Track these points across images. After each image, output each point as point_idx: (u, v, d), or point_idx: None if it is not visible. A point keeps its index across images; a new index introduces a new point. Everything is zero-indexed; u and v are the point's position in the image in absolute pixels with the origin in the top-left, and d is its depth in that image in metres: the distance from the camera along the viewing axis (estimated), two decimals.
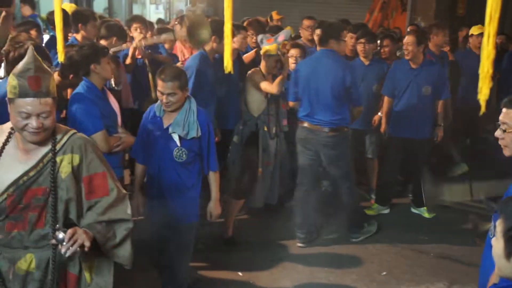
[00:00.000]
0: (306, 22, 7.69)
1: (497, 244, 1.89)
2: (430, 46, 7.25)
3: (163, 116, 4.27)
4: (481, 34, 7.70)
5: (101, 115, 4.37)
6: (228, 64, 2.83)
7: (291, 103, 6.07)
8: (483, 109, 1.78)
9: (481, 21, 6.38)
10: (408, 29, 8.66)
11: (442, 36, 7.19)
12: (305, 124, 5.85)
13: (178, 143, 4.21)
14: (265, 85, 5.73)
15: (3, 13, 4.34)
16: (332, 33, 5.81)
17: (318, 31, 6.17)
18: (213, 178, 4.46)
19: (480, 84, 1.71)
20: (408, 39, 6.43)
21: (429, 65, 6.51)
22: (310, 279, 5.28)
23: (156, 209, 4.37)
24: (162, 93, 4.13)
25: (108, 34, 5.78)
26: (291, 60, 6.27)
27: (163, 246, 4.47)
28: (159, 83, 4.15)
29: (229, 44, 2.77)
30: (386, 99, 6.66)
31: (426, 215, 6.75)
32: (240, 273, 5.33)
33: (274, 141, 5.99)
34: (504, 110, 2.56)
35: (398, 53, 7.49)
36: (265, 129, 5.91)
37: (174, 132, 4.19)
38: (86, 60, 4.48)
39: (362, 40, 6.76)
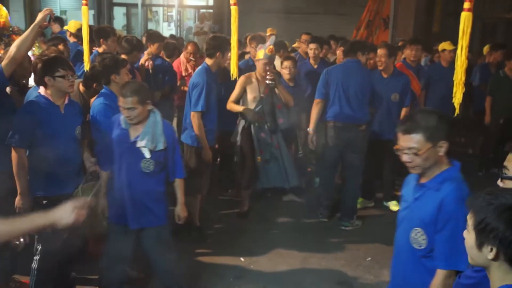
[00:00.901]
0: (304, 37, 7.77)
1: (469, 236, 1.89)
2: (406, 59, 7.27)
3: (129, 128, 3.95)
4: (454, 50, 7.71)
5: None
6: (234, 71, 2.76)
7: (317, 101, 6.23)
8: (457, 111, 1.77)
9: (453, 37, 6.38)
10: (399, 44, 8.70)
11: (411, 50, 7.20)
12: (335, 123, 6.06)
13: (147, 155, 3.92)
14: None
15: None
16: (360, 47, 6.20)
17: (346, 45, 6.59)
18: (179, 185, 4.18)
19: (454, 89, 1.71)
20: (380, 52, 6.43)
21: (398, 75, 6.50)
22: (304, 264, 5.29)
23: (128, 217, 4.05)
24: (123, 108, 3.84)
25: (131, 49, 5.82)
26: (285, 71, 6.46)
27: (143, 253, 4.26)
28: (120, 98, 3.86)
29: (235, 54, 2.69)
30: None
31: (393, 208, 6.68)
32: (242, 259, 5.33)
33: (268, 135, 6.06)
34: (406, 136, 2.52)
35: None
36: (256, 124, 6.00)
37: (144, 147, 3.91)
38: (107, 71, 4.50)
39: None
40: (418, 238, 2.57)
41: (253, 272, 5.12)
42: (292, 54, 7.49)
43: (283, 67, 6.49)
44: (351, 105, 5.96)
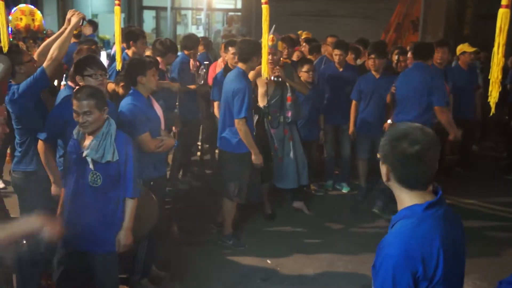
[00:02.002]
0: (330, 39, 7.68)
1: None
2: (433, 61, 7.09)
3: (81, 139, 3.64)
4: (474, 52, 7.57)
5: (146, 120, 4.39)
6: (265, 70, 2.57)
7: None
8: (493, 110, 1.71)
9: (484, 41, 6.24)
10: None
11: (438, 53, 6.97)
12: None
13: (91, 166, 3.51)
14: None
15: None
16: (429, 52, 6.14)
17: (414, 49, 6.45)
18: (128, 205, 3.65)
19: (490, 88, 1.64)
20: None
21: None
22: (331, 267, 5.22)
23: (70, 237, 3.58)
24: (78, 113, 3.51)
25: (165, 51, 5.91)
26: (306, 74, 6.53)
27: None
28: (74, 102, 3.53)
29: (266, 53, 2.50)
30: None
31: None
32: (268, 261, 5.28)
33: (278, 130, 6.08)
34: None
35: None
36: (269, 118, 6.00)
37: (87, 156, 3.54)
38: (133, 72, 4.51)
39: (373, 56, 6.65)
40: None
41: (280, 274, 5.08)
42: (311, 57, 7.47)
43: (304, 70, 6.51)
44: (411, 108, 5.92)
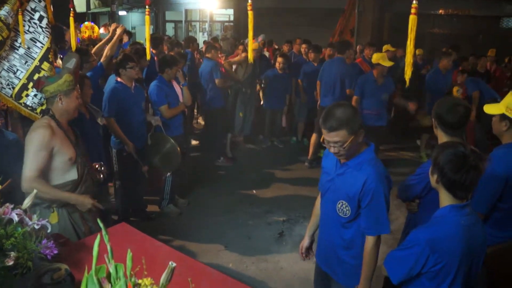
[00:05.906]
0: (298, 41, 7.59)
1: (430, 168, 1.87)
2: (365, 56, 6.95)
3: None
4: (387, 51, 7.28)
5: (166, 95, 4.34)
6: (250, 56, 2.44)
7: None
8: (407, 84, 1.73)
9: (397, 43, 6.07)
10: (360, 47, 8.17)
11: (369, 51, 6.89)
12: None
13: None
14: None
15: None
16: None
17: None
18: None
19: (406, 68, 1.66)
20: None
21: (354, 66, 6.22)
22: (296, 195, 5.20)
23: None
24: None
25: (171, 47, 5.90)
26: (277, 65, 6.44)
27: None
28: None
29: (251, 44, 2.32)
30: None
31: None
32: (254, 191, 5.27)
33: (247, 97, 6.40)
34: (332, 133, 1.97)
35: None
36: (243, 90, 6.31)
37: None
38: (161, 66, 4.44)
39: (311, 50, 6.56)
40: (344, 209, 2.13)
41: (261, 200, 5.08)
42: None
43: (278, 62, 6.44)
44: None
